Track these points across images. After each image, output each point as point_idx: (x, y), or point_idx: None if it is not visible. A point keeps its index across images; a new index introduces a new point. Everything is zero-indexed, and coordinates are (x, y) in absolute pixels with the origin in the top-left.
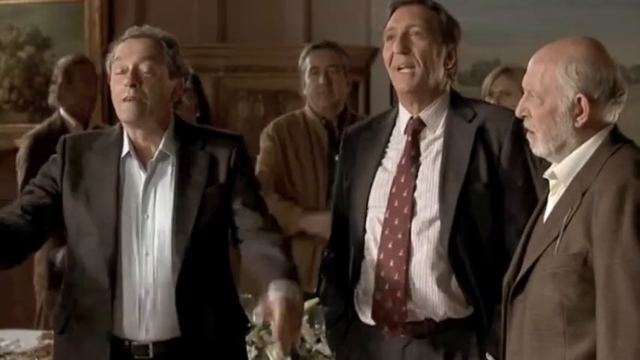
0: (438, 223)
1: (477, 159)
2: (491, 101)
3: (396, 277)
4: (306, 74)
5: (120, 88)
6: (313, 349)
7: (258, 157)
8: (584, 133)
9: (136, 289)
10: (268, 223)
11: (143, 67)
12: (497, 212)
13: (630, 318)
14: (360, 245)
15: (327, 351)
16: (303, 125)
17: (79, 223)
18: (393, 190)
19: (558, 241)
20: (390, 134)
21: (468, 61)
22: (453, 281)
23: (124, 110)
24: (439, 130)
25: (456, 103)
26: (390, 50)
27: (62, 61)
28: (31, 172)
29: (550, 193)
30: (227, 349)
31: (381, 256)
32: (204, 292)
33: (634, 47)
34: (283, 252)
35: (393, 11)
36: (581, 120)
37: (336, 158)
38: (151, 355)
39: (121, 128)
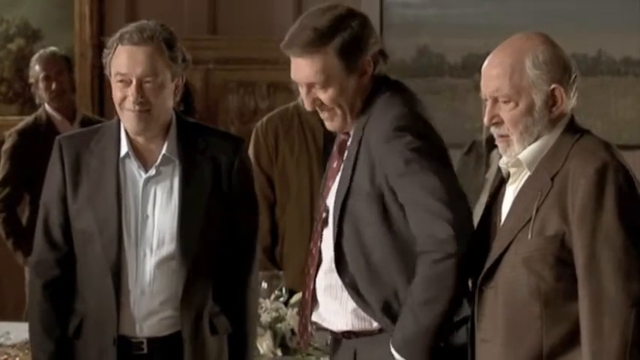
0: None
1: (358, 169)
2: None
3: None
4: None
5: (121, 96)
6: None
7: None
8: (554, 122)
9: (132, 289)
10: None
11: (147, 80)
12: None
13: (615, 298)
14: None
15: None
16: (298, 120)
17: (83, 228)
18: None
19: (531, 225)
20: None
21: (457, 53)
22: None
23: (128, 121)
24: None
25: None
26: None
27: (34, 60)
28: (11, 174)
29: (509, 182)
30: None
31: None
32: (204, 297)
33: (623, 39)
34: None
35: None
36: (557, 110)
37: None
38: (146, 350)
39: (118, 125)
